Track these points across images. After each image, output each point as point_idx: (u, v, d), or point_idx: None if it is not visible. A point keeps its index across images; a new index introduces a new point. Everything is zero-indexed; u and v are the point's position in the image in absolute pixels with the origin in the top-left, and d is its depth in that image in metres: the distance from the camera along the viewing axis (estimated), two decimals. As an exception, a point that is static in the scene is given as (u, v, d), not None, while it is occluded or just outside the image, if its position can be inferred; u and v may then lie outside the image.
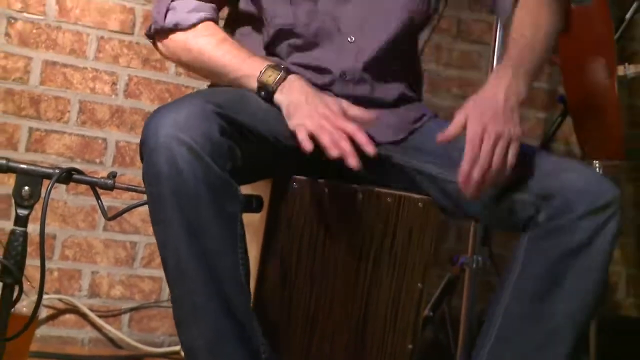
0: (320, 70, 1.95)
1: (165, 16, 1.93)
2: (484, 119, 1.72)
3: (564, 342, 1.70)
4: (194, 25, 1.93)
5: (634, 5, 2.80)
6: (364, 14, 1.98)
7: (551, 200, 1.70)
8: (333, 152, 1.66)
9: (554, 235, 1.69)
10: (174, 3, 1.93)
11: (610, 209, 1.65)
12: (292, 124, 1.74)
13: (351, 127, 1.69)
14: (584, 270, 1.67)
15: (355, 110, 1.77)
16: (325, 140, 1.67)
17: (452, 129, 1.73)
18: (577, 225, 1.65)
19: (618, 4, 2.72)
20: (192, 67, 2.03)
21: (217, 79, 1.99)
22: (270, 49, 1.98)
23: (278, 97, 1.79)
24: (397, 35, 1.99)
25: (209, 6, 1.96)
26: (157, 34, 1.98)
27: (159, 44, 2.00)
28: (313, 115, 1.72)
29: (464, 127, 1.73)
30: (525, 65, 1.84)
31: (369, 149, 1.67)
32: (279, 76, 1.80)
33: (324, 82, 1.94)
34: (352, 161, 1.64)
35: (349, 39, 1.95)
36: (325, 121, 1.72)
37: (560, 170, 1.76)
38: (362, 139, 1.69)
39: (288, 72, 1.82)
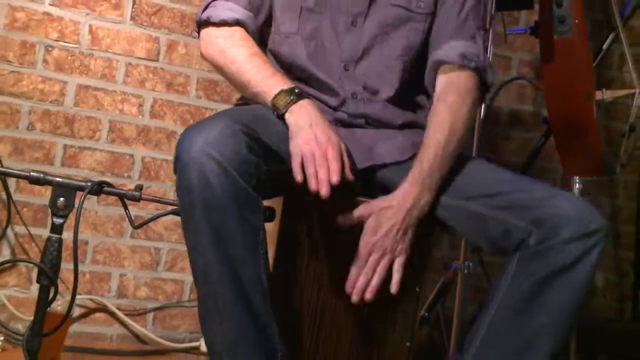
0: (331, 92, 1.97)
1: (205, 10, 1.97)
2: (377, 234, 1.78)
3: (543, 351, 1.71)
4: (224, 22, 1.94)
5: (610, 36, 2.81)
6: (364, 48, 1.99)
7: (542, 225, 1.70)
8: (312, 186, 1.67)
9: (542, 257, 1.70)
10: (214, 2, 1.97)
11: (596, 236, 1.66)
12: (291, 145, 1.75)
13: (333, 156, 1.70)
14: (567, 290, 1.68)
15: (348, 161, 1.77)
16: (309, 172, 1.69)
17: (351, 220, 1.80)
18: (564, 248, 1.66)
19: (596, 35, 2.71)
20: (223, 71, 2.00)
21: (240, 88, 1.98)
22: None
23: (287, 117, 1.79)
24: (398, 69, 2.01)
25: (245, 12, 1.96)
26: (199, 28, 2.00)
27: (201, 41, 2.01)
28: (310, 142, 1.73)
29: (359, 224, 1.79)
30: (435, 176, 1.83)
31: (334, 178, 1.67)
32: (289, 100, 1.80)
33: (337, 103, 1.96)
34: (323, 191, 1.66)
35: (347, 68, 1.97)
36: (319, 151, 1.72)
37: (552, 197, 1.77)
38: (346, 170, 1.71)
39: (300, 96, 1.82)
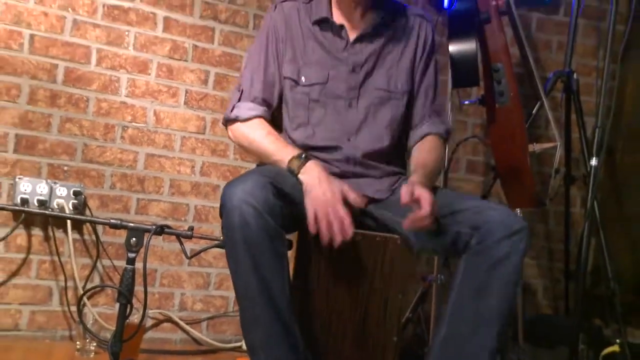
0: (335, 156, 1.99)
1: (232, 110, 2.00)
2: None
3: (495, 324, 1.72)
4: (248, 118, 1.98)
5: (537, 104, 2.81)
6: (360, 122, 2.01)
7: (479, 229, 1.73)
8: (324, 240, 1.70)
9: (482, 254, 1.72)
10: (238, 103, 2.00)
11: (519, 234, 1.70)
12: (306, 201, 1.76)
13: (342, 214, 1.71)
14: (503, 276, 1.71)
15: (352, 195, 1.79)
16: (322, 226, 1.70)
17: (406, 198, 1.72)
18: (497, 246, 1.70)
19: (526, 103, 2.72)
20: (248, 149, 2.03)
21: (263, 159, 1.99)
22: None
23: (301, 177, 1.82)
24: (386, 135, 2.02)
25: (261, 108, 2.00)
26: (227, 122, 2.03)
27: (229, 131, 2.04)
28: (319, 200, 1.74)
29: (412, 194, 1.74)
30: (428, 185, 1.84)
31: (347, 229, 1.69)
32: (300, 163, 1.83)
33: (339, 163, 1.98)
34: (336, 242, 1.69)
35: (349, 139, 1.99)
36: (329, 208, 1.72)
37: (484, 209, 1.79)
38: (346, 226, 1.70)
39: (307, 158, 1.84)
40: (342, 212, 1.72)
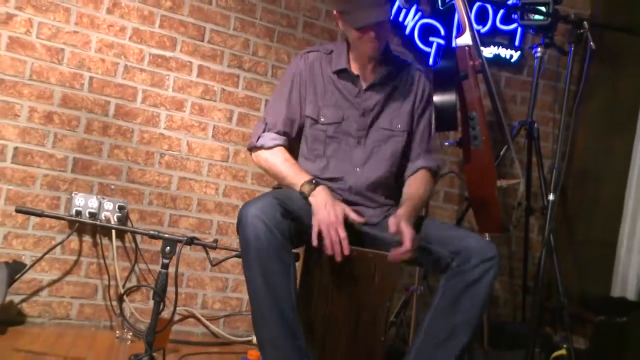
0: (344, 185, 2.00)
1: (257, 140, 2.02)
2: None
3: (463, 335, 1.76)
4: (271, 147, 2.00)
5: (504, 148, 2.82)
6: (366, 156, 2.02)
7: (459, 254, 1.76)
8: (328, 252, 1.74)
9: (459, 275, 1.76)
10: (263, 134, 2.02)
11: (492, 261, 1.74)
12: (313, 219, 1.80)
13: (342, 236, 1.74)
14: (475, 295, 1.75)
15: (353, 215, 1.81)
16: (327, 243, 1.75)
17: (393, 228, 1.76)
18: (472, 270, 1.73)
19: (496, 146, 2.64)
20: (268, 171, 2.04)
21: (279, 181, 2.01)
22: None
23: (310, 199, 1.84)
24: (386, 170, 2.04)
25: (283, 138, 2.02)
26: (252, 149, 2.05)
27: (254, 156, 2.07)
28: (324, 220, 1.77)
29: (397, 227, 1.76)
30: (413, 216, 1.87)
31: (345, 249, 1.74)
32: (310, 188, 1.85)
33: (347, 190, 2.00)
34: (337, 258, 1.74)
35: (357, 169, 2.00)
36: (331, 227, 1.75)
37: (464, 237, 1.83)
38: (344, 246, 1.74)
39: (317, 184, 1.86)
40: (343, 233, 1.75)
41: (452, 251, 1.78)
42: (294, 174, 1.94)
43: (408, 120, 2.07)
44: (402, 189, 2.10)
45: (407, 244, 1.73)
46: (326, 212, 1.79)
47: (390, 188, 2.07)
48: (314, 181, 1.88)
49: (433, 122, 2.08)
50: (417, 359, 1.78)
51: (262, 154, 2.03)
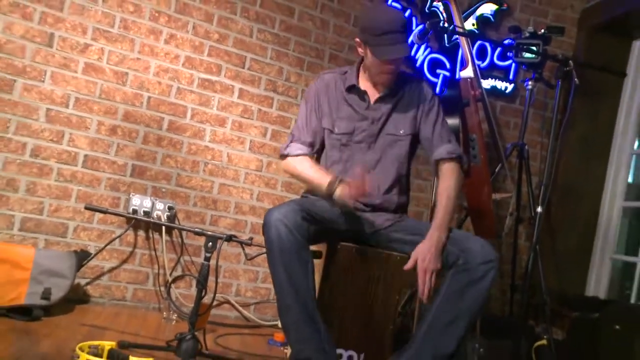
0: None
1: (286, 149, 2.02)
2: (425, 262, 1.78)
3: (463, 325, 1.76)
4: (297, 155, 1.99)
5: (499, 166, 2.80)
6: (377, 159, 1.99)
7: (465, 253, 1.76)
8: (358, 193, 1.76)
9: (465, 272, 1.75)
10: (291, 144, 2.01)
11: (493, 262, 1.74)
12: (339, 201, 1.83)
13: (364, 188, 1.76)
14: (477, 291, 1.74)
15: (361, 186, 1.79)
16: (353, 192, 1.78)
17: (410, 264, 1.80)
18: (476, 268, 1.73)
19: (492, 164, 2.71)
20: (296, 176, 2.03)
21: (307, 184, 2.00)
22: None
23: (334, 194, 1.84)
24: (395, 171, 2.00)
25: (308, 149, 2.01)
26: (282, 157, 2.05)
27: (283, 163, 2.06)
28: (346, 195, 1.81)
29: (415, 263, 1.79)
30: (445, 225, 1.84)
31: (367, 188, 1.76)
32: (335, 185, 1.84)
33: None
34: (365, 191, 1.76)
35: (369, 172, 1.95)
36: (358, 190, 1.78)
37: (471, 240, 1.81)
38: (365, 187, 1.76)
39: (341, 181, 1.84)
40: (363, 187, 1.78)
41: (460, 249, 1.78)
42: (320, 177, 1.92)
43: (412, 125, 2.01)
44: (409, 191, 2.09)
45: (420, 286, 1.79)
46: (347, 197, 1.84)
47: (401, 189, 2.04)
48: (338, 179, 1.87)
49: (444, 119, 2.04)
50: (426, 338, 1.77)
51: (289, 161, 2.03)
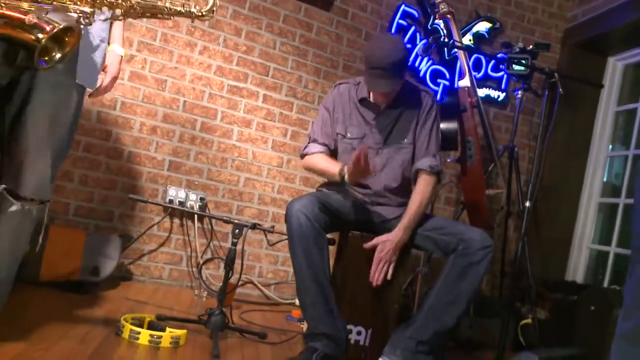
0: (365, 187, 1.96)
1: (304, 149, 2.01)
2: (382, 253, 1.82)
3: (462, 303, 1.75)
4: (314, 153, 1.97)
5: (492, 165, 2.73)
6: (383, 164, 1.97)
7: (464, 241, 1.75)
8: (360, 165, 1.70)
9: (464, 257, 1.74)
10: (309, 144, 2.00)
11: (489, 248, 1.74)
12: (349, 176, 1.80)
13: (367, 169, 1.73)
14: (474, 273, 1.74)
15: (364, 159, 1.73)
16: (359, 169, 1.72)
17: (369, 245, 1.83)
18: (475, 253, 1.73)
19: (485, 163, 2.69)
20: (314, 170, 2.01)
21: (324, 174, 1.98)
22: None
23: (345, 177, 1.82)
24: (400, 174, 1.98)
25: (323, 148, 1.98)
26: (302, 157, 2.03)
27: (303, 161, 2.04)
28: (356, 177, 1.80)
29: (374, 248, 1.82)
30: (410, 228, 1.85)
31: (372, 170, 1.74)
32: (343, 172, 1.82)
33: (368, 191, 1.96)
34: (363, 163, 1.71)
35: (376, 174, 1.93)
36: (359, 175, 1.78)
37: (468, 229, 1.82)
38: (370, 167, 1.72)
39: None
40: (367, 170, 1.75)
41: (459, 238, 1.78)
42: (333, 166, 1.90)
43: (413, 134, 1.99)
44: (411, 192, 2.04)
45: (372, 273, 1.82)
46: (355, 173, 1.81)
47: (406, 189, 2.03)
48: (345, 167, 1.85)
49: (437, 131, 2.00)
50: (429, 314, 1.76)
51: (308, 159, 2.02)
